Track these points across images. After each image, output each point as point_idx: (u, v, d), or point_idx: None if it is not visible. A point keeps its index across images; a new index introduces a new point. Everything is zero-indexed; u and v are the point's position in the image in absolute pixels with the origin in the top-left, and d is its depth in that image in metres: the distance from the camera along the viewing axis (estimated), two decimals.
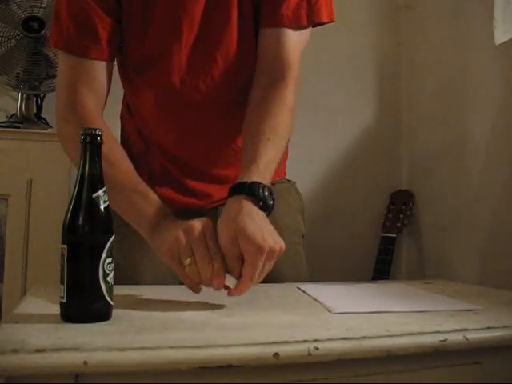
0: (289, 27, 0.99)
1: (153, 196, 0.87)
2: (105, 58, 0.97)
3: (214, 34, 0.99)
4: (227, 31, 0.99)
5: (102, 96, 0.99)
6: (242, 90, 1.04)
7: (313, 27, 1.03)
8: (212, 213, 1.07)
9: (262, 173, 0.85)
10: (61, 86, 0.99)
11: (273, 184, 1.08)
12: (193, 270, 0.75)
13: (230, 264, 0.76)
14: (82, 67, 0.96)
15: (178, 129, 1.06)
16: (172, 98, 1.03)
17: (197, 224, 0.77)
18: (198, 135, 1.06)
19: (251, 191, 0.81)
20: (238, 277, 0.76)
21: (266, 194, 0.82)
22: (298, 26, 1.00)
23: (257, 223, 0.78)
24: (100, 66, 0.96)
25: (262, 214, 0.81)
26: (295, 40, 1.00)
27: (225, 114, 1.05)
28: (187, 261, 0.75)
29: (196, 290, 0.79)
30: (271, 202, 0.83)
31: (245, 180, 0.83)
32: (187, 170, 1.09)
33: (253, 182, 0.82)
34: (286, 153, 1.19)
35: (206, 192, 1.09)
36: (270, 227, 0.80)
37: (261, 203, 0.81)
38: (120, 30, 0.99)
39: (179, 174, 1.09)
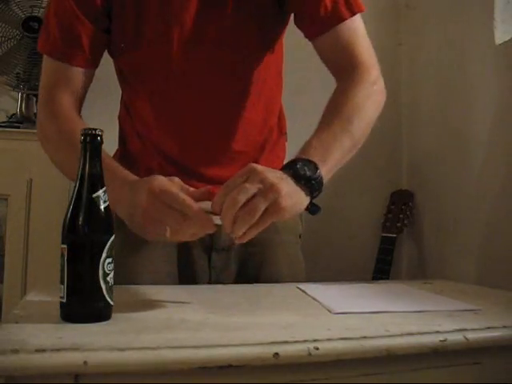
0: (334, 26, 0.97)
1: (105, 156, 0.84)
2: (86, 65, 0.99)
3: (208, 36, 0.99)
4: (222, 33, 0.99)
5: (79, 98, 1.00)
6: (239, 92, 1.03)
7: None
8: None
9: (311, 152, 0.81)
10: (41, 87, 1.01)
11: None
12: (177, 235, 0.73)
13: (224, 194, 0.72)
14: (62, 72, 0.98)
15: (175, 130, 1.06)
16: (167, 100, 1.03)
17: (148, 199, 0.73)
18: (195, 137, 1.06)
19: (293, 167, 0.77)
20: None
21: (309, 173, 0.77)
22: (341, 22, 0.98)
23: (278, 176, 0.74)
24: (80, 73, 0.98)
25: (295, 187, 0.76)
26: (347, 32, 0.98)
27: (222, 117, 1.05)
28: (167, 232, 0.72)
29: (208, 227, 0.73)
30: (316, 187, 0.78)
31: (293, 159, 0.80)
32: (184, 171, 1.09)
33: (298, 159, 0.78)
34: (283, 151, 1.18)
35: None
36: (293, 191, 0.75)
37: (302, 182, 0.77)
38: (105, 39, 1.00)
39: (176, 174, 1.09)
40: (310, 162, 0.79)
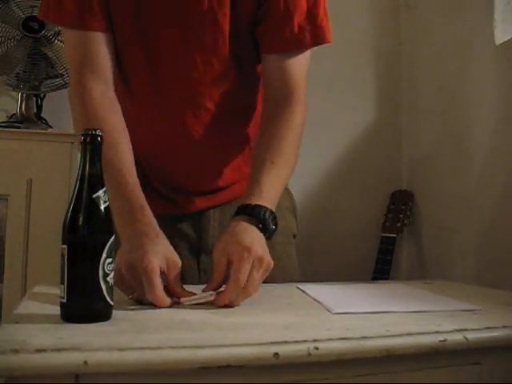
0: (293, 51, 0.98)
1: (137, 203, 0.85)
2: (102, 28, 0.95)
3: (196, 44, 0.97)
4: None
5: (108, 75, 0.96)
6: (229, 104, 1.02)
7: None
8: (194, 216, 1.06)
9: (264, 195, 0.87)
10: (69, 67, 1.00)
11: None
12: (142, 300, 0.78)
13: (215, 272, 0.79)
14: (83, 44, 0.95)
15: (159, 140, 1.03)
16: (153, 109, 1.01)
17: (132, 270, 0.76)
18: (180, 149, 1.03)
19: (252, 213, 0.84)
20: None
21: (267, 217, 0.85)
22: (302, 49, 0.99)
23: (250, 236, 0.81)
24: (101, 40, 0.95)
25: (259, 234, 0.83)
26: (299, 63, 0.99)
27: (208, 131, 1.03)
28: (133, 295, 0.78)
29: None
30: (273, 226, 0.85)
31: (247, 203, 0.86)
32: (167, 182, 1.07)
33: (255, 205, 0.85)
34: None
35: (186, 202, 1.07)
36: (264, 244, 0.82)
37: (260, 225, 0.84)
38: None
39: (159, 185, 1.07)
40: (269, 210, 0.86)
